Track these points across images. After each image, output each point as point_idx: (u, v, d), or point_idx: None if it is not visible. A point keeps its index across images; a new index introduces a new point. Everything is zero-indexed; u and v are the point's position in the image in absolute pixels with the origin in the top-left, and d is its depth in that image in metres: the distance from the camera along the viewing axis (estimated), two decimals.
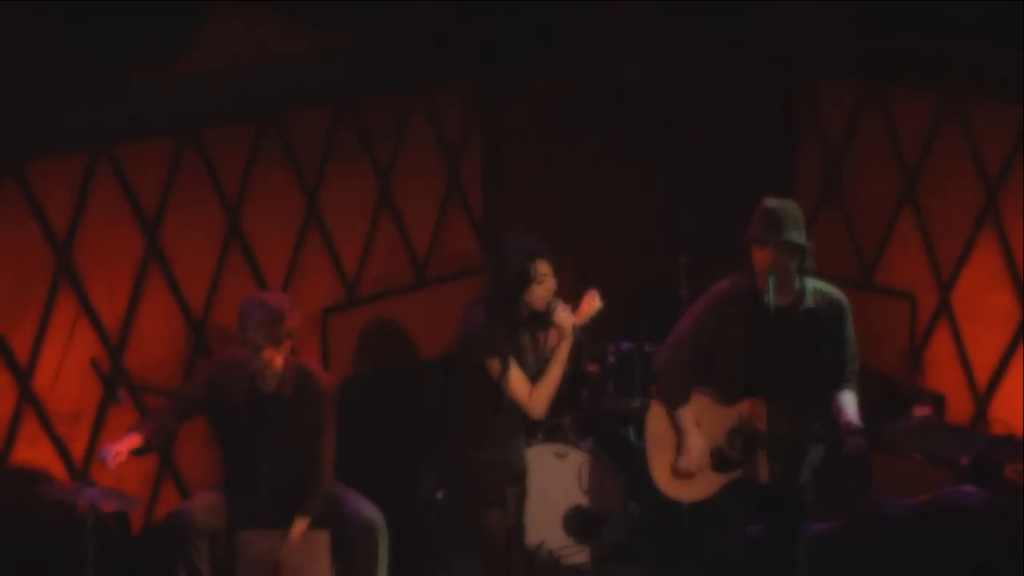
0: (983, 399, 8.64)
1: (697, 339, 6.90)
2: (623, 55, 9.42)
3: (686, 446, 6.94)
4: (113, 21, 7.17)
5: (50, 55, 7.11)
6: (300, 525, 7.17)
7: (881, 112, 8.93)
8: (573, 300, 7.00)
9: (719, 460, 6.95)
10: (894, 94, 8.87)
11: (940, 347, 8.83)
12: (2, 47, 7.02)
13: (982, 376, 8.64)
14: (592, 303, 6.90)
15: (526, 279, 6.76)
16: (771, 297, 6.65)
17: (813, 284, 6.82)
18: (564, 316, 6.77)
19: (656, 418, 7.08)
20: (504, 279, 6.80)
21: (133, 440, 7.09)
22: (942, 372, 8.79)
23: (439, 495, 8.15)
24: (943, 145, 8.71)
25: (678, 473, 6.98)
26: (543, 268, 6.77)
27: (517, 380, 6.81)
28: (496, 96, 9.18)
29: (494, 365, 6.79)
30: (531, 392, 6.81)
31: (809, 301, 6.79)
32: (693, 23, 9.33)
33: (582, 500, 8.18)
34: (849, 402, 6.80)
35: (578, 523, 8.19)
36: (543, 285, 6.78)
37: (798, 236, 6.68)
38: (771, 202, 6.73)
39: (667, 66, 9.48)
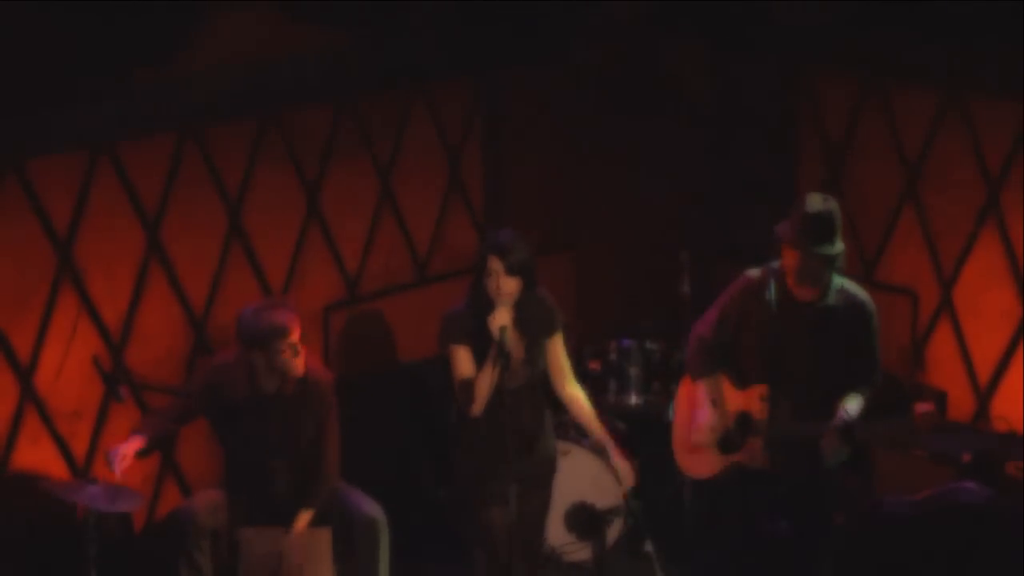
0: (985, 396, 8.63)
1: (721, 323, 6.99)
2: (624, 52, 9.41)
3: (695, 419, 7.00)
4: (115, 19, 7.17)
5: (51, 52, 7.11)
6: (303, 519, 7.18)
7: (882, 109, 8.92)
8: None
9: (724, 441, 6.98)
10: (895, 91, 8.86)
11: (942, 344, 8.82)
12: (3, 44, 7.02)
13: (983, 373, 8.64)
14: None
15: (480, 269, 6.82)
16: (772, 293, 6.66)
17: (841, 282, 6.82)
18: (495, 318, 6.78)
19: (683, 391, 7.18)
20: (473, 269, 6.90)
21: (137, 443, 7.10)
22: (944, 369, 8.78)
23: (441, 492, 8.15)
24: (944, 142, 8.70)
25: (694, 444, 7.03)
26: (493, 264, 6.79)
27: (459, 366, 6.85)
28: (497, 93, 9.18)
29: (449, 353, 6.86)
30: (463, 381, 6.84)
31: (830, 299, 6.79)
32: (694, 20, 9.32)
33: (584, 497, 8.18)
34: (850, 404, 6.79)
35: (580, 520, 8.19)
36: (490, 279, 6.80)
37: (830, 248, 6.66)
38: (815, 205, 6.70)
39: (668, 63, 9.48)
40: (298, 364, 7.12)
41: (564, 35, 9.16)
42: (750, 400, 6.91)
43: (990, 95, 8.43)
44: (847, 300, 6.83)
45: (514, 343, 6.82)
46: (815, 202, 6.73)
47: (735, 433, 6.94)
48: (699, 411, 7.03)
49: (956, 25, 8.25)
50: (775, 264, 6.90)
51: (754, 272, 6.99)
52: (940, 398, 8.66)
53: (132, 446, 7.05)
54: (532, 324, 6.93)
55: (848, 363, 6.84)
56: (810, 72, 9.22)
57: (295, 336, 7.08)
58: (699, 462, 7.08)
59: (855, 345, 6.84)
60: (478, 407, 6.83)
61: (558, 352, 7.04)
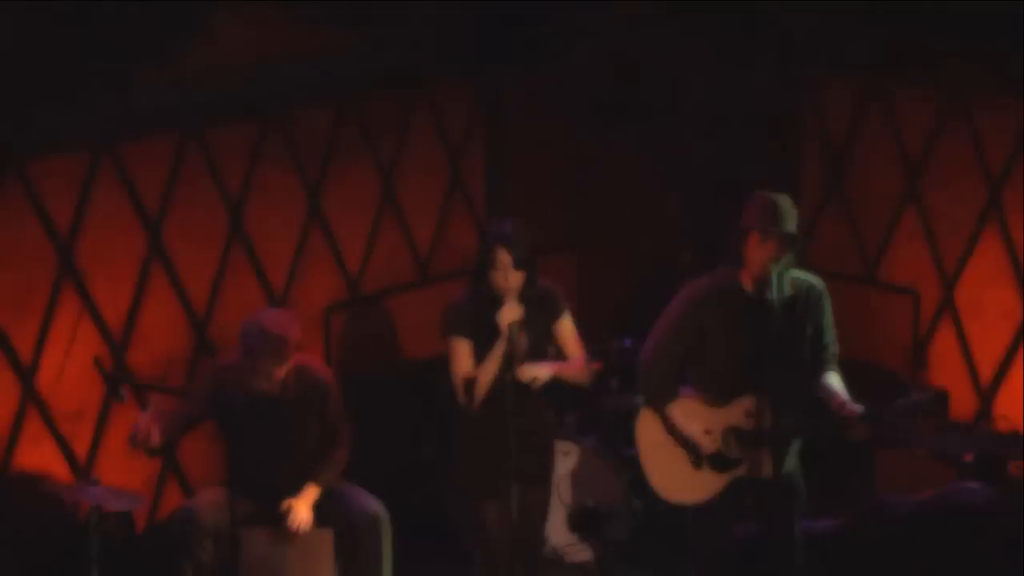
0: (987, 395, 8.64)
1: (680, 339, 6.84)
2: (626, 54, 9.41)
3: (693, 438, 6.89)
4: (116, 19, 7.18)
5: (53, 53, 7.11)
6: (311, 492, 7.16)
7: (884, 109, 8.92)
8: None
9: (718, 461, 6.91)
10: (897, 91, 8.86)
11: (944, 343, 8.83)
12: (5, 45, 7.03)
13: (986, 372, 8.64)
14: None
15: (485, 262, 6.78)
16: (774, 288, 6.64)
17: (788, 274, 6.81)
18: (504, 313, 6.74)
19: (645, 427, 7.00)
20: (476, 259, 6.85)
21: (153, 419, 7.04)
22: (946, 368, 8.78)
23: (441, 490, 8.14)
24: (946, 142, 8.70)
25: (700, 455, 6.94)
26: (502, 256, 6.75)
27: (457, 359, 6.84)
28: (499, 94, 9.18)
29: (449, 343, 6.84)
30: (465, 378, 6.81)
31: (786, 289, 6.77)
32: (697, 22, 9.32)
33: (586, 497, 8.18)
34: (837, 384, 6.78)
35: (582, 520, 8.19)
36: (498, 272, 6.77)
37: (795, 230, 6.70)
38: (772, 195, 6.73)
39: (671, 64, 9.48)
40: (261, 384, 7.10)
41: (565, 36, 9.16)
42: (739, 413, 6.84)
43: (991, 95, 8.43)
44: (803, 287, 6.83)
45: (519, 340, 6.81)
46: (770, 192, 6.75)
47: (732, 449, 6.86)
48: (685, 432, 6.91)
49: (956, 25, 8.25)
50: (723, 271, 6.84)
51: (699, 282, 6.89)
52: (942, 397, 8.66)
53: (156, 429, 6.99)
54: (536, 317, 6.91)
55: (815, 345, 6.83)
56: (811, 73, 9.22)
57: (270, 366, 7.04)
58: (692, 489, 6.97)
59: (819, 327, 6.84)
60: (478, 402, 6.82)
61: (567, 334, 7.01)
